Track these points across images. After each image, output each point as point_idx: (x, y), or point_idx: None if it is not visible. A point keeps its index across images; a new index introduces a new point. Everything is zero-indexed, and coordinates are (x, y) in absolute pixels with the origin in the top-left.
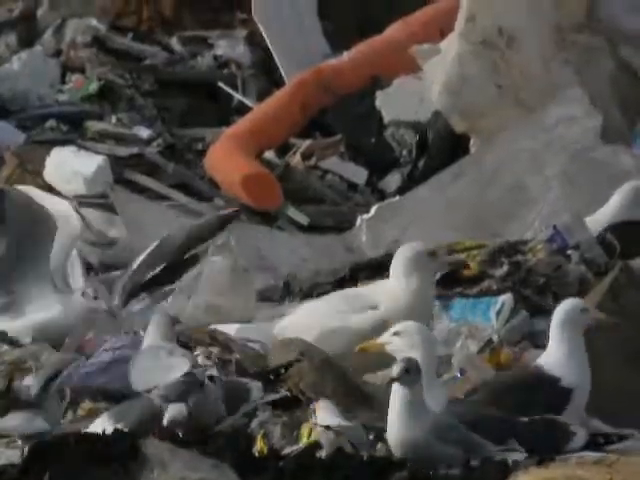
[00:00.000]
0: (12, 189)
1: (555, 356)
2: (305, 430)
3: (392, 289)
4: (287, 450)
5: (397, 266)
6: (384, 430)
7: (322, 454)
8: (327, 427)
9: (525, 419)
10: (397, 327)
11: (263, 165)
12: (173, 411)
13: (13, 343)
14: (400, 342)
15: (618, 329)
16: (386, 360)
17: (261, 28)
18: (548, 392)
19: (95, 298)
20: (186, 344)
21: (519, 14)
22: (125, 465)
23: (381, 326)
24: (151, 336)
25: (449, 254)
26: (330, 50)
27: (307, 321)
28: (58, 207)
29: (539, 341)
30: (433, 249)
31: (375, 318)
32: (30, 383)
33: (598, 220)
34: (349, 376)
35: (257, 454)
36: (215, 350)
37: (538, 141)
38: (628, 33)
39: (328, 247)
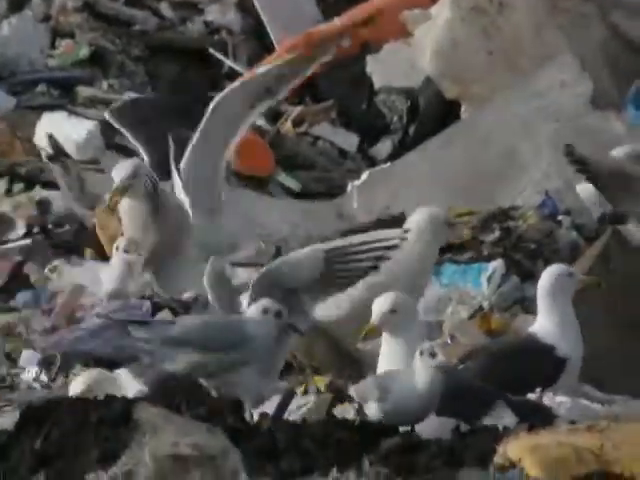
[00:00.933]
0: None
1: (548, 324)
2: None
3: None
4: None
5: (412, 228)
6: None
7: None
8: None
9: (511, 397)
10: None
11: (254, 131)
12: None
13: None
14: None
15: (609, 293)
16: None
17: None
18: (543, 362)
19: None
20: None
21: None
22: (117, 430)
23: (379, 290)
24: None
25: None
26: (321, 16)
27: None
28: None
29: (530, 307)
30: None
31: (374, 282)
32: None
33: (588, 187)
34: (339, 342)
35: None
36: None
37: (529, 107)
38: None
39: (319, 213)
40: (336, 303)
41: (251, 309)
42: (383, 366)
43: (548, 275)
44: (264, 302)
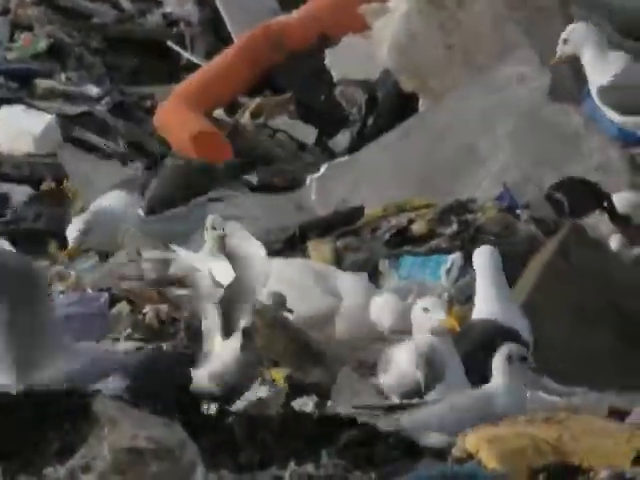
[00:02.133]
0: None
1: (501, 310)
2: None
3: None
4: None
5: None
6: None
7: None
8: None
9: None
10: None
11: (212, 123)
12: None
13: None
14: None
15: (568, 287)
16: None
17: None
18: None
19: None
20: (133, 302)
21: None
22: (75, 423)
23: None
24: None
25: (398, 213)
26: (279, 8)
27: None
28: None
29: None
30: None
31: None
32: None
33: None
34: (301, 334)
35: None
36: (164, 308)
37: (487, 101)
38: None
39: (278, 206)
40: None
41: None
42: None
43: (483, 259)
44: None
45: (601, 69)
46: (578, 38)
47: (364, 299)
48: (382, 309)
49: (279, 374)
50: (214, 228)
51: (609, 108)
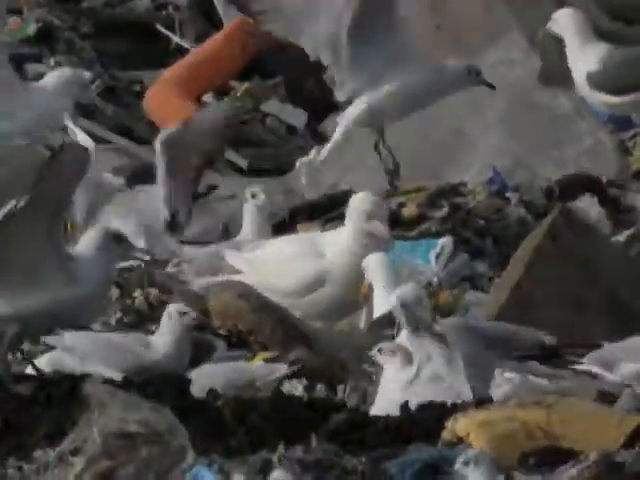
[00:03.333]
0: None
1: None
2: None
3: (339, 238)
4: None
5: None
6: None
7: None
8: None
9: None
10: None
11: (202, 108)
12: None
13: None
14: None
15: (557, 270)
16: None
17: None
18: None
19: None
20: (123, 286)
21: None
22: (65, 407)
23: (323, 275)
24: None
25: (388, 197)
26: None
27: (259, 261)
28: None
29: (479, 283)
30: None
31: (317, 267)
32: None
33: None
34: (288, 317)
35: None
36: (154, 291)
37: None
38: None
39: (267, 190)
40: (282, 277)
41: None
42: None
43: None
44: None
45: (584, 57)
46: (563, 24)
47: (350, 254)
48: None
49: (267, 357)
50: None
51: (601, 92)
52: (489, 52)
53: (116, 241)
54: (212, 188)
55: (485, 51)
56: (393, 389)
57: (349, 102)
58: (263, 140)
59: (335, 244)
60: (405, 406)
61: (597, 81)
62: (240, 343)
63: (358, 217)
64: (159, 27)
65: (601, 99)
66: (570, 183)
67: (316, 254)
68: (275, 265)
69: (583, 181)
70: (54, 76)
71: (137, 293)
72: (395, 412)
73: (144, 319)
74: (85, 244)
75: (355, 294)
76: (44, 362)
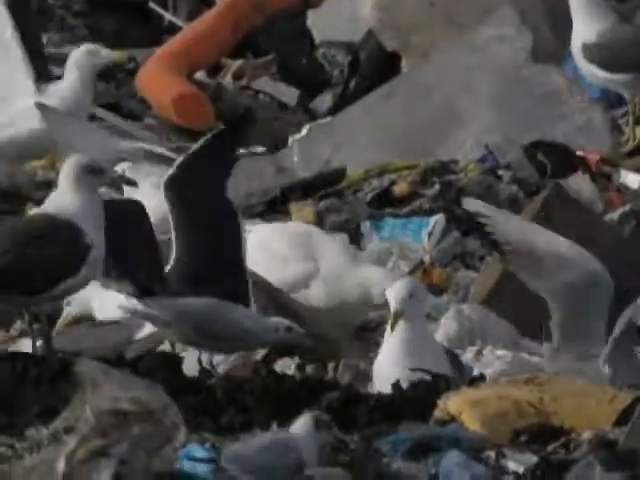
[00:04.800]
0: None
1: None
2: None
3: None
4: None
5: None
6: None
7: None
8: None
9: None
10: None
11: (194, 85)
12: None
13: None
14: None
15: None
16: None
17: None
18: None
19: None
20: None
21: None
22: (57, 385)
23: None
24: None
25: (380, 174)
26: None
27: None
28: None
29: (470, 261)
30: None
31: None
32: None
33: None
34: (280, 294)
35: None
36: None
37: (469, 61)
38: None
39: (259, 168)
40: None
41: None
42: (398, 351)
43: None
44: None
45: (589, 23)
46: None
47: (343, 263)
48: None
49: None
50: None
51: (593, 65)
52: (481, 29)
53: (90, 172)
54: None
55: (477, 28)
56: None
57: (341, 81)
58: (255, 117)
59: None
60: (397, 384)
61: (591, 54)
62: None
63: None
64: (152, 5)
65: (593, 72)
66: (550, 152)
67: (308, 257)
68: (263, 257)
69: (563, 152)
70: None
71: None
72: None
73: None
74: (60, 180)
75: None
76: None
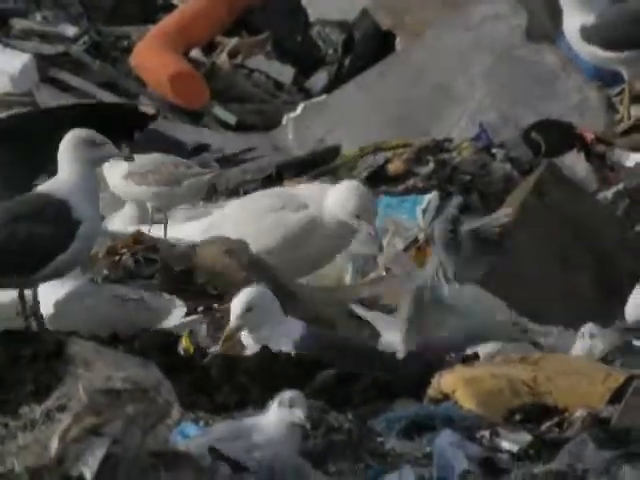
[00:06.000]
0: None
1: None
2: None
3: (319, 190)
4: (212, 349)
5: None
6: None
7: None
8: None
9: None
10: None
11: (189, 64)
12: None
13: None
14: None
15: (544, 226)
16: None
17: None
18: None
19: None
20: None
21: None
22: (50, 364)
23: (312, 224)
24: None
25: (374, 152)
26: None
27: (240, 217)
28: None
29: None
30: None
31: (307, 216)
32: None
33: None
34: (277, 275)
35: (183, 353)
36: (140, 249)
37: (463, 39)
38: None
39: (254, 146)
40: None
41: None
42: None
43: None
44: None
45: (585, 5)
46: None
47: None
48: (341, 196)
49: None
50: None
51: (594, 46)
52: (476, 7)
53: (89, 145)
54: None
55: (472, 6)
56: None
57: (336, 59)
58: (250, 95)
59: (318, 202)
60: (391, 361)
61: (591, 35)
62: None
63: (345, 213)
64: None
65: (594, 53)
66: (548, 129)
67: (298, 207)
68: (254, 221)
69: (561, 128)
70: None
71: (124, 250)
72: None
73: (131, 276)
74: (59, 155)
75: (339, 248)
76: None
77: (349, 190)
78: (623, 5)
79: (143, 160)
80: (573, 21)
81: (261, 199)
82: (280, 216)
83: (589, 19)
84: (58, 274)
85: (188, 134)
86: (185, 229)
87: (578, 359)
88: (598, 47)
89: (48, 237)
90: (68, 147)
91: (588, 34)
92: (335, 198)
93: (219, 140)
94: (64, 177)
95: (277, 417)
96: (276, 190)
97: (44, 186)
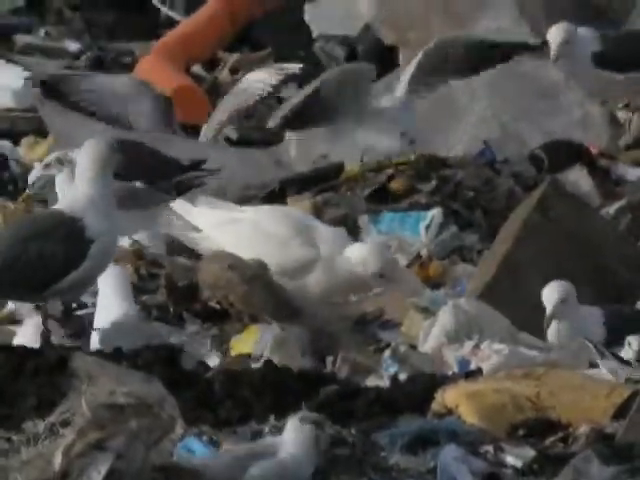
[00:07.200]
0: None
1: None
2: (234, 343)
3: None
4: (216, 363)
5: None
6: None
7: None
8: None
9: None
10: None
11: (191, 79)
12: None
13: None
14: None
15: (547, 242)
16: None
17: None
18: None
19: None
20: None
21: None
22: (54, 378)
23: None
24: None
25: (378, 171)
26: None
27: (250, 232)
28: None
29: (468, 255)
30: None
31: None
32: None
33: None
34: (279, 289)
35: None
36: (143, 264)
37: None
38: None
39: (257, 161)
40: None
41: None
42: None
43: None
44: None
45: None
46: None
47: (342, 249)
48: (366, 254)
49: (256, 329)
50: None
51: (608, 70)
52: (479, 22)
53: (111, 151)
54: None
55: (474, 19)
56: None
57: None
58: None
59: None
60: (395, 377)
61: (604, 60)
62: (229, 315)
63: (368, 271)
64: None
65: (609, 76)
66: (556, 149)
67: (309, 243)
68: (265, 242)
69: (569, 148)
70: None
71: (127, 266)
72: None
73: (134, 291)
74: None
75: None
76: None
77: (375, 249)
78: (628, 31)
79: None
80: (583, 46)
81: (278, 225)
82: (286, 243)
83: (597, 45)
84: (70, 291)
85: (187, 149)
86: (205, 215)
87: (581, 374)
88: (613, 71)
89: (59, 255)
90: (86, 163)
91: (601, 60)
92: (359, 254)
93: (220, 155)
94: (81, 193)
95: (300, 434)
96: (296, 217)
97: (61, 202)
